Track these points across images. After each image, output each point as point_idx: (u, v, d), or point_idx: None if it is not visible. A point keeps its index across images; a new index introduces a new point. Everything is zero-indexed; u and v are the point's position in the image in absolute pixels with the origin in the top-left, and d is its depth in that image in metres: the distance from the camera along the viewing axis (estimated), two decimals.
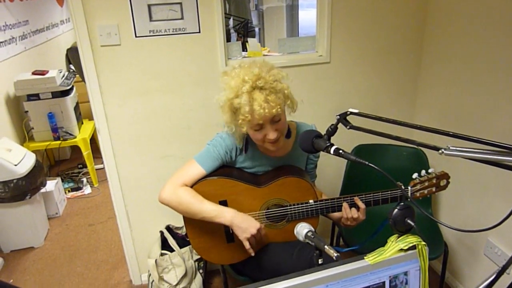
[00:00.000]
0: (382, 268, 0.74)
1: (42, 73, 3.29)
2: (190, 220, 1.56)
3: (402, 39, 2.23)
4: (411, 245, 0.76)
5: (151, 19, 1.89)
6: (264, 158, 1.61)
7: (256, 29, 5.31)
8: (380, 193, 1.51)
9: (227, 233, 1.59)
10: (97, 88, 1.96)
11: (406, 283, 0.77)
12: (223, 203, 1.55)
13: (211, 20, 1.96)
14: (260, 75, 1.37)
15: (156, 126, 2.11)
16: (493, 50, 1.80)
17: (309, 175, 1.70)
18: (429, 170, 1.51)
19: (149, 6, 1.87)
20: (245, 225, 1.44)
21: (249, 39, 2.26)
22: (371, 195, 1.50)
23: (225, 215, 1.46)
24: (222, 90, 1.47)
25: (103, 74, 1.95)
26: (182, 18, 1.93)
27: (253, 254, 1.48)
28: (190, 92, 2.08)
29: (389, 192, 1.50)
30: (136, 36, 1.91)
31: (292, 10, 5.44)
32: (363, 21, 2.15)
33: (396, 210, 0.77)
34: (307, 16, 5.63)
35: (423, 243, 0.76)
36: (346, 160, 2.17)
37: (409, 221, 0.76)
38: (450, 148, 0.86)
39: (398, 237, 0.78)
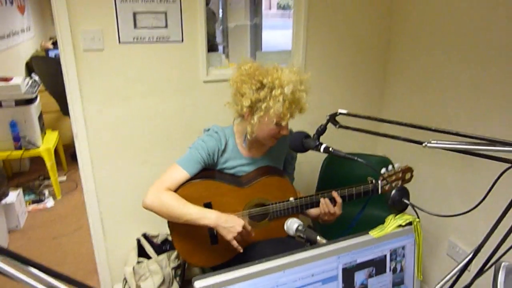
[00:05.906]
0: (384, 242, 0.83)
1: (6, 79, 3.17)
2: (175, 224, 1.56)
3: (370, 53, 2.42)
4: (408, 221, 0.86)
5: (135, 26, 1.93)
6: (244, 159, 1.67)
7: (220, 47, 5.47)
8: (354, 188, 1.62)
9: (211, 235, 1.61)
10: (77, 93, 1.95)
11: (403, 256, 0.87)
12: (208, 205, 1.58)
13: (194, 30, 2.04)
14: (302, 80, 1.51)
15: (136, 132, 2.11)
16: (453, 59, 2.00)
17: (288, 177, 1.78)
18: (395, 165, 1.63)
19: (134, 13, 1.91)
20: (230, 224, 1.47)
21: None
22: (346, 190, 1.61)
23: (209, 216, 1.48)
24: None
25: (84, 78, 1.95)
26: (166, 27, 1.98)
27: (241, 251, 1.52)
28: (171, 99, 2.11)
29: (362, 186, 1.62)
30: (119, 42, 1.94)
31: (256, 28, 5.71)
32: (335, 36, 2.31)
33: (394, 191, 0.87)
34: (267, 37, 5.98)
35: (418, 219, 0.86)
36: (321, 160, 2.27)
37: (405, 200, 0.86)
38: (432, 141, 0.99)
39: (395, 216, 0.88)
